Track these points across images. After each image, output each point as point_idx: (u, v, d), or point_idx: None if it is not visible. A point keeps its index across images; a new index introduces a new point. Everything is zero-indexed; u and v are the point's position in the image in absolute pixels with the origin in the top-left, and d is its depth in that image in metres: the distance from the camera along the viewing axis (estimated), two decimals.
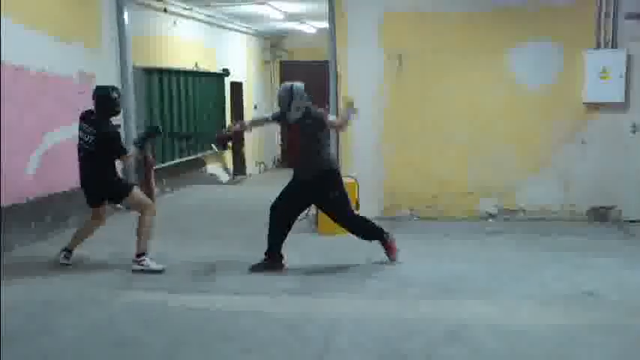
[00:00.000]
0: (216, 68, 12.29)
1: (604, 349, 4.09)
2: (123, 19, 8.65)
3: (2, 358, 3.97)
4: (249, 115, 14.20)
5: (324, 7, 8.30)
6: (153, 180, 8.43)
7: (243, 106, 13.96)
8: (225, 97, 12.68)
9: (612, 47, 7.57)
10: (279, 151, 16.15)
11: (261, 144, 15.20)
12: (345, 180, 7.50)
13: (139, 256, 5.86)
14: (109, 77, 8.52)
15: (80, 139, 5.89)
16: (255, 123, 7.12)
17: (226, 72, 12.58)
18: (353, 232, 6.08)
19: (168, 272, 5.82)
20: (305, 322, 4.59)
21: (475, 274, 5.74)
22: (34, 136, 7.07)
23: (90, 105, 7.51)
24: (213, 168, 12.39)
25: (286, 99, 5.79)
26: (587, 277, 5.56)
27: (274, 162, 16.08)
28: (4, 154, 6.40)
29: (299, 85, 5.86)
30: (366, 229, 6.02)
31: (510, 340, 4.24)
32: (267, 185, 12.46)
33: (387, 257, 6.00)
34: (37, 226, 7.05)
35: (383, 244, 6.01)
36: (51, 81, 7.32)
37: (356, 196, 7.34)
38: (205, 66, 11.71)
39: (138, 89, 9.08)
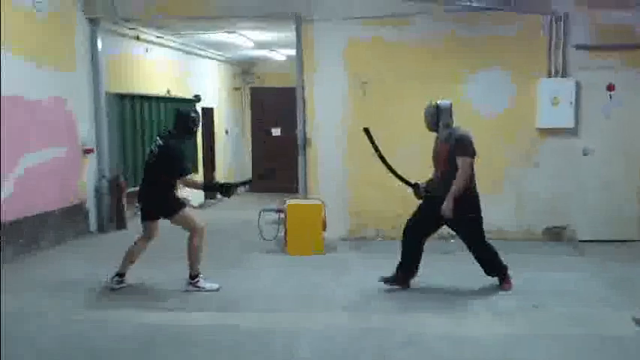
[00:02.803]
0: (188, 94, 12.55)
1: (546, 355, 4.43)
2: (96, 46, 8.93)
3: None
4: (219, 140, 14.46)
5: (292, 35, 8.68)
6: (124, 202, 8.70)
7: (214, 131, 14.22)
8: None
9: (562, 76, 8.05)
10: (250, 176, 16.39)
11: (233, 169, 15.44)
12: (312, 202, 7.88)
13: (193, 277, 6.04)
14: (83, 102, 8.77)
15: (150, 151, 6.11)
16: None
17: (198, 98, 12.83)
18: (479, 261, 6.04)
19: (137, 290, 6.03)
20: (269, 334, 4.85)
21: (431, 289, 6.05)
22: (10, 159, 7.24)
23: (63, 129, 7.78)
24: (184, 192, 12.56)
25: (433, 117, 5.90)
26: (538, 292, 5.93)
27: (245, 187, 16.29)
28: None
29: (445, 102, 5.92)
30: (492, 262, 6.02)
31: (460, 347, 4.56)
32: (239, 210, 12.73)
33: (502, 287, 5.98)
34: (11, 248, 7.19)
35: (500, 278, 6.03)
36: (25, 105, 7.53)
37: (323, 217, 7.67)
38: (177, 92, 11.97)
39: (111, 114, 9.31)
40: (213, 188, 6.55)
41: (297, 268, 6.87)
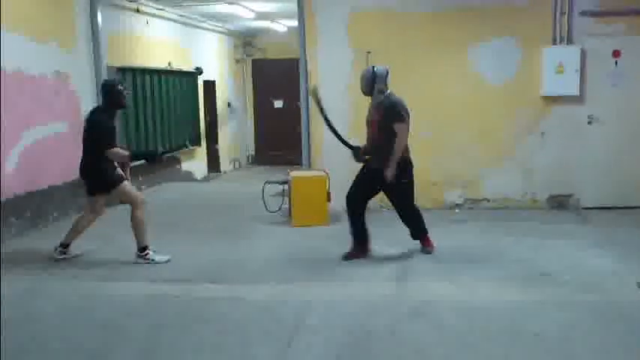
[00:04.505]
0: (190, 67, 12.48)
1: (554, 322, 4.45)
2: (96, 20, 8.83)
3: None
4: (222, 113, 14.42)
5: (294, 6, 8.57)
6: (128, 176, 8.65)
7: (216, 104, 14.16)
8: (198, 95, 12.87)
9: (567, 43, 7.96)
10: (253, 149, 16.38)
11: (236, 141, 15.43)
12: (316, 174, 7.87)
13: (141, 250, 6.03)
14: (84, 76, 8.70)
15: (84, 128, 6.06)
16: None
17: (199, 70, 12.78)
18: (407, 223, 6.28)
19: (144, 264, 6.03)
20: (278, 304, 4.88)
21: (439, 258, 6.08)
22: (12, 134, 7.23)
23: (65, 104, 7.72)
24: (188, 165, 12.59)
25: (369, 82, 5.92)
26: (544, 259, 5.95)
27: (248, 159, 16.31)
28: None
29: (381, 68, 5.96)
30: (419, 226, 6.28)
31: (469, 315, 4.59)
32: (242, 182, 12.77)
33: (424, 249, 6.27)
34: (16, 222, 7.21)
35: (422, 240, 6.31)
36: (27, 81, 7.47)
37: (327, 189, 7.67)
38: (179, 65, 11.89)
39: None
40: (140, 156, 6.46)
41: (302, 240, 6.89)
